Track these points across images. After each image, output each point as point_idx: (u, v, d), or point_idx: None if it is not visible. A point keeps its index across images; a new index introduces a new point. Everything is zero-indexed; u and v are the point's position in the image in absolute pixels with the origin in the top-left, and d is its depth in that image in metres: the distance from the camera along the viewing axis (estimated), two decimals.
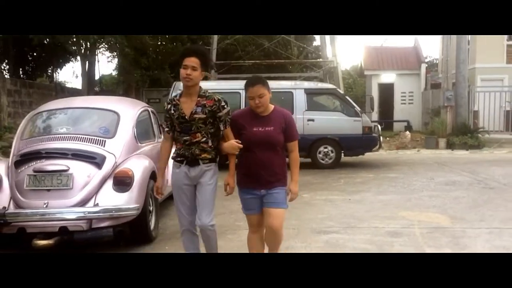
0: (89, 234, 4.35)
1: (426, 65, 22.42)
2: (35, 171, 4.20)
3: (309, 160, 10.17)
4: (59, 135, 4.63)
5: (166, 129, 3.42)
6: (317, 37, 23.07)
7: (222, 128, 3.30)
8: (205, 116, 3.25)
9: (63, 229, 4.06)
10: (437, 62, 24.44)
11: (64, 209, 4.09)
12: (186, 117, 3.27)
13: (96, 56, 15.98)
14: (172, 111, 3.32)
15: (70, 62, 19.13)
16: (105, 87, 19.69)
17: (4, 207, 4.14)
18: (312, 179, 8.66)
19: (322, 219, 5.65)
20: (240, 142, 3.24)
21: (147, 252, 4.41)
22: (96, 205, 4.19)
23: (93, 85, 15.47)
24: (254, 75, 3.53)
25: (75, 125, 4.84)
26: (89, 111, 5.12)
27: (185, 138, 3.29)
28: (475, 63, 17.78)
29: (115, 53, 17.04)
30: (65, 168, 4.20)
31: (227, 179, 3.36)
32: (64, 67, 19.23)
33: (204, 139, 3.29)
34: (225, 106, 3.30)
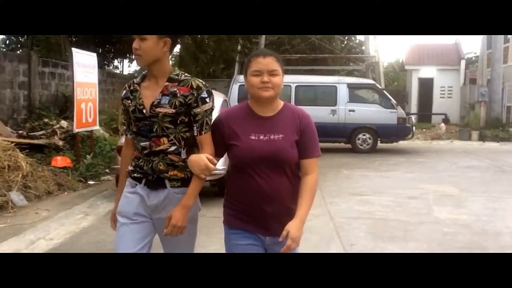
0: None
1: (466, 60, 23.18)
2: None
3: (349, 146, 11.78)
4: None
5: (123, 128, 2.38)
6: None
7: (195, 134, 2.11)
8: (174, 111, 2.08)
9: None
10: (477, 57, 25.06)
11: None
12: (145, 110, 2.12)
13: None
14: (129, 101, 2.18)
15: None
16: None
17: None
18: (351, 160, 10.26)
19: (357, 187, 7.30)
20: (215, 161, 2.02)
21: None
22: None
23: None
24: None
25: None
26: None
27: (143, 144, 2.14)
28: None
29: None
30: None
31: (174, 211, 2.05)
32: (130, 58, 21.43)
33: (174, 147, 2.11)
34: (207, 100, 2.10)
